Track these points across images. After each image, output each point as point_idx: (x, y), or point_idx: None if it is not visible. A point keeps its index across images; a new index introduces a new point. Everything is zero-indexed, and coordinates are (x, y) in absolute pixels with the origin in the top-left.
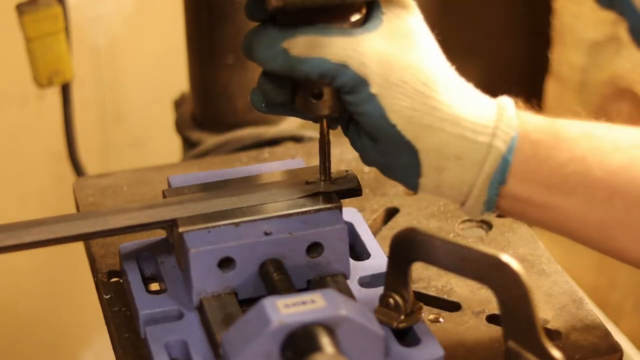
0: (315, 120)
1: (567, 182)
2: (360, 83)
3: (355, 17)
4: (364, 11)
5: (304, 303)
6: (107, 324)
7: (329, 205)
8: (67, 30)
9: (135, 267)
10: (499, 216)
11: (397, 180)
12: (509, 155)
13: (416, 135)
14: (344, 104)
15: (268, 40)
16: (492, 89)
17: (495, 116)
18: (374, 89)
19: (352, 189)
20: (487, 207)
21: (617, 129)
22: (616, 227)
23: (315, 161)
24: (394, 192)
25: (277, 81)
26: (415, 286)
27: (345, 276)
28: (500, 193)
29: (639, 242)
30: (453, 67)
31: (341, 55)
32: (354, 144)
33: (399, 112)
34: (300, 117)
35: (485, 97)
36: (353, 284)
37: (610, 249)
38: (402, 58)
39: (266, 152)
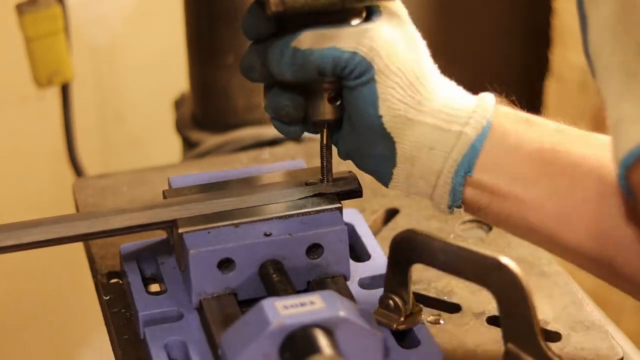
0: (316, 129)
1: (532, 171)
2: (368, 69)
3: (355, 22)
4: (363, 15)
5: (302, 304)
6: (106, 325)
7: (329, 207)
8: (67, 30)
9: (135, 267)
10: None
11: (371, 170)
12: (477, 142)
13: (398, 129)
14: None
15: (278, 48)
16: (491, 90)
17: (473, 108)
18: (377, 76)
19: (352, 190)
20: (452, 198)
21: (592, 134)
22: (573, 217)
23: (316, 162)
24: (394, 193)
25: (290, 95)
26: (415, 287)
27: (345, 277)
28: (467, 182)
29: (592, 236)
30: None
31: (351, 42)
32: (331, 134)
33: (389, 103)
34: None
35: (468, 94)
36: (353, 285)
37: (566, 243)
38: (404, 49)
39: (266, 152)
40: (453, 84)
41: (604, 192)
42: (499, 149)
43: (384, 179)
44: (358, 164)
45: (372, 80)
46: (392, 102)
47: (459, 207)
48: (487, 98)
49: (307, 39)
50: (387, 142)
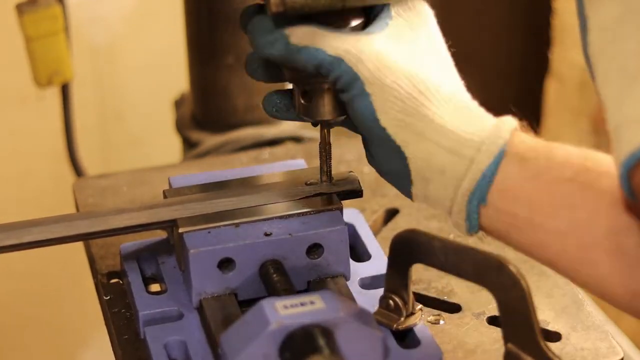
0: (314, 124)
1: (552, 202)
2: (353, 79)
3: (355, 22)
4: (363, 17)
5: (302, 304)
6: (106, 325)
7: (329, 207)
8: (67, 30)
9: (135, 267)
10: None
11: (394, 186)
12: (489, 170)
13: (406, 142)
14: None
15: (269, 26)
16: (492, 89)
17: (488, 132)
18: (368, 88)
19: (352, 190)
20: (469, 224)
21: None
22: (595, 251)
23: (316, 162)
24: (394, 193)
25: (282, 92)
26: (416, 287)
27: (346, 277)
28: (482, 210)
29: (616, 270)
30: (462, 82)
31: (338, 48)
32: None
33: (389, 114)
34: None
35: (488, 116)
36: (353, 285)
37: (588, 277)
38: (401, 62)
39: (266, 152)
40: (474, 103)
41: (628, 225)
42: (516, 178)
43: (408, 195)
44: (384, 177)
45: (364, 93)
46: (392, 114)
47: (477, 232)
48: (507, 122)
49: (299, 34)
50: (399, 156)
